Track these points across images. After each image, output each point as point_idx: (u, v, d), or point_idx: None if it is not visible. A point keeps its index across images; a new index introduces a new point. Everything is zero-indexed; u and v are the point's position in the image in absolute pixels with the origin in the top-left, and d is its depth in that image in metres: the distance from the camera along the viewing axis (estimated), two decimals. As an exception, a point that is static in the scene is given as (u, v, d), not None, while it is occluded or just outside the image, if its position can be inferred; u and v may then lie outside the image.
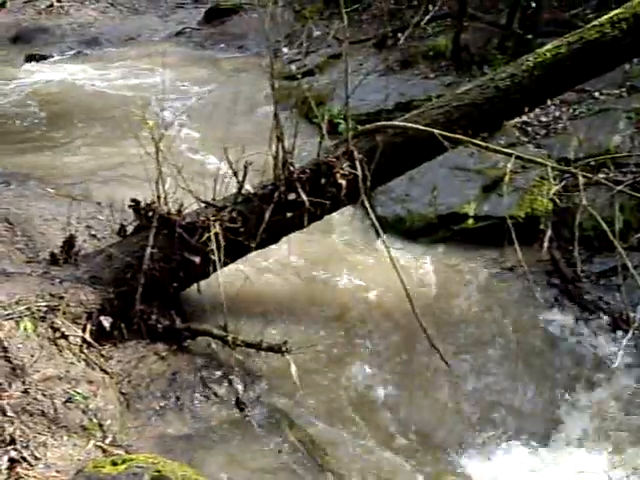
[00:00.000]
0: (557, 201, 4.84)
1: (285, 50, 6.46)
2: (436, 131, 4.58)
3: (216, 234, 4.45)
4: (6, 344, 4.13)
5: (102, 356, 4.48)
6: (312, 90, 6.54)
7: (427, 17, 5.50)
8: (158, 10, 16.62)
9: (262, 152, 4.64)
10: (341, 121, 6.49)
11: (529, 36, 8.45)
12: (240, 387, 4.47)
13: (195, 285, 4.85)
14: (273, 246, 5.05)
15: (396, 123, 4.84)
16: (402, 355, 5.02)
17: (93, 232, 5.59)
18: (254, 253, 4.85)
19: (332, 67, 9.37)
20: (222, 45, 13.44)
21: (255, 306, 5.03)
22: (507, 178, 4.59)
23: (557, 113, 7.25)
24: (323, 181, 4.61)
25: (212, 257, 4.47)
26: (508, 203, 5.78)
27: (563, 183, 4.99)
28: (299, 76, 6.42)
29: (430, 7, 5.47)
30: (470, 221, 6.14)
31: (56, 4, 16.88)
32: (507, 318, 5.31)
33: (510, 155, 4.74)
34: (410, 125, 4.75)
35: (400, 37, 5.45)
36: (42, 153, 8.11)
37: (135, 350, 4.59)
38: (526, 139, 6.92)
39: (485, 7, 10.60)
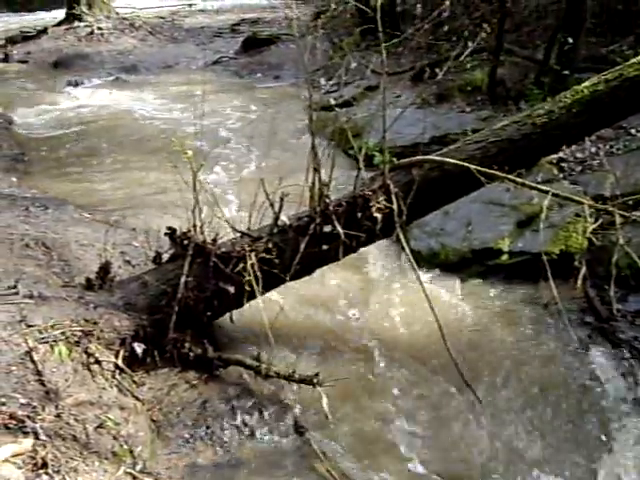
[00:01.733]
0: (594, 239, 4.79)
1: (322, 81, 6.49)
2: (472, 167, 4.57)
3: (251, 264, 4.47)
4: (41, 367, 4.16)
5: (134, 382, 4.50)
6: (348, 122, 6.58)
7: (466, 53, 5.46)
8: (196, 39, 16.84)
9: (298, 184, 4.66)
10: (377, 153, 6.51)
11: (566, 72, 8.44)
12: (271, 417, 4.46)
13: (228, 314, 4.87)
14: (307, 277, 5.04)
15: (433, 157, 4.84)
16: (434, 389, 4.97)
17: (128, 258, 5.64)
18: (288, 284, 4.85)
19: (368, 99, 9.44)
20: (259, 74, 13.58)
21: (288, 337, 5.03)
22: (543, 215, 4.56)
23: (593, 149, 7.23)
24: (359, 214, 4.61)
25: (246, 287, 4.49)
26: (543, 239, 5.75)
27: (600, 222, 4.95)
28: (336, 107, 6.45)
29: (469, 43, 5.43)
30: (504, 257, 6.12)
31: (97, 31, 17.16)
32: (540, 356, 5.25)
33: (546, 192, 4.72)
34: (447, 160, 4.74)
35: (438, 72, 5.42)
36: (79, 178, 8.21)
37: (167, 377, 4.61)
38: (562, 175, 6.91)
39: (522, 42, 10.64)
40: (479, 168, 4.57)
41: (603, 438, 4.65)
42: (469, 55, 9.54)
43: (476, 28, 10.34)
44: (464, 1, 12.35)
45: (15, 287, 4.78)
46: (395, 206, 4.59)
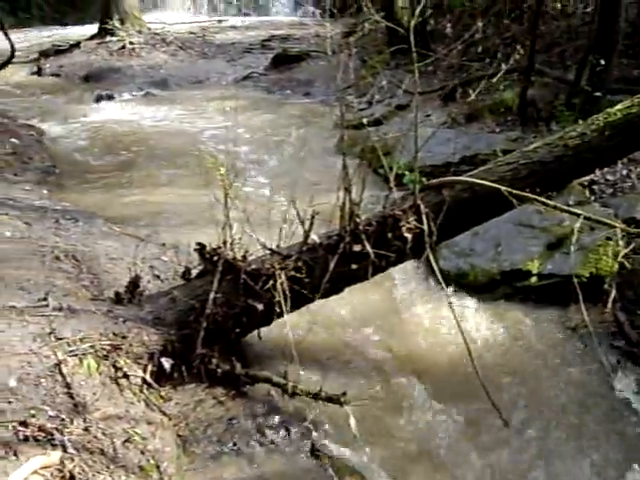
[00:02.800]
0: (625, 263, 4.76)
1: (352, 99, 6.50)
2: (503, 188, 4.56)
3: (281, 283, 4.47)
4: (69, 380, 4.19)
5: (161, 397, 4.52)
6: (379, 140, 6.58)
7: (499, 75, 5.46)
8: (226, 55, 16.91)
9: (329, 202, 4.67)
10: (407, 172, 6.50)
11: (598, 93, 8.40)
12: (298, 435, 4.46)
13: (256, 331, 4.87)
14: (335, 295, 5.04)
15: (464, 179, 4.83)
16: (459, 410, 4.95)
17: (157, 273, 5.68)
18: (317, 302, 4.85)
19: (399, 117, 9.45)
20: (288, 91, 13.61)
21: (315, 355, 5.03)
22: (574, 239, 4.54)
23: (625, 172, 7.19)
24: (389, 234, 4.61)
25: (275, 304, 4.50)
26: (573, 262, 5.71)
27: (632, 246, 4.92)
28: (366, 126, 6.45)
29: (501, 64, 5.43)
30: (533, 279, 6.08)
31: (128, 46, 17.30)
32: (568, 379, 5.22)
33: (578, 215, 4.70)
34: (477, 181, 4.74)
35: (470, 93, 5.43)
36: (109, 191, 8.27)
37: (194, 393, 4.62)
38: (593, 197, 6.88)
39: (553, 62, 10.62)
40: (510, 190, 4.56)
41: (631, 465, 4.60)
42: (498, 74, 9.60)
43: (507, 48, 10.37)
44: (495, 21, 12.35)
45: (45, 299, 4.81)
46: (425, 226, 4.58)
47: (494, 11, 12.67)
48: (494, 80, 5.76)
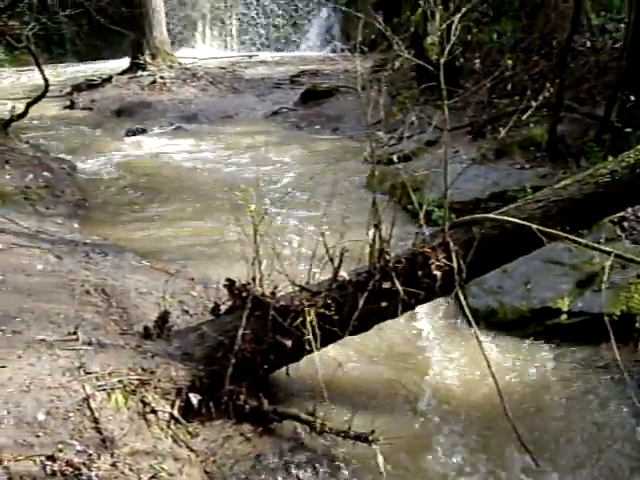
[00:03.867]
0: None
1: (380, 134, 6.54)
2: (534, 226, 4.53)
3: (310, 319, 4.47)
4: (97, 415, 4.19)
5: (189, 433, 4.50)
6: (407, 176, 6.59)
7: (529, 113, 5.45)
8: (256, 90, 17.05)
9: (358, 239, 4.67)
10: (435, 209, 6.50)
11: (628, 129, 8.37)
12: (325, 474, 4.42)
13: (284, 367, 4.86)
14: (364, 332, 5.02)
15: (493, 216, 4.82)
16: (488, 450, 4.89)
17: (186, 308, 5.69)
18: (346, 339, 4.84)
19: (427, 153, 9.45)
20: (317, 126, 13.67)
21: (344, 392, 5.00)
22: (605, 277, 4.51)
23: (656, 208, 7.14)
24: (418, 271, 4.60)
25: (304, 341, 4.49)
26: (603, 300, 5.66)
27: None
28: (396, 162, 6.47)
29: (531, 102, 5.43)
30: (563, 317, 6.03)
31: (159, 81, 17.51)
32: (599, 419, 5.14)
33: (609, 253, 4.66)
34: (507, 219, 4.72)
35: (500, 130, 5.44)
36: (139, 225, 8.33)
37: (221, 429, 4.59)
38: (623, 234, 6.82)
39: (582, 98, 10.59)
40: (540, 227, 4.54)
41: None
42: (526, 110, 9.59)
43: (535, 84, 10.36)
44: (523, 57, 12.36)
45: (75, 333, 4.84)
46: (455, 264, 4.57)
47: (522, 47, 12.69)
48: (524, 117, 5.74)
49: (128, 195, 9.67)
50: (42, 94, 12.01)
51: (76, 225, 8.21)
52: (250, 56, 22.10)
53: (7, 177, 9.11)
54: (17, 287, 5.69)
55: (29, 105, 11.82)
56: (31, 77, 18.26)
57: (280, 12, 24.64)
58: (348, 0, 23.39)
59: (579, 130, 9.37)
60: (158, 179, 10.34)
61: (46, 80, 11.80)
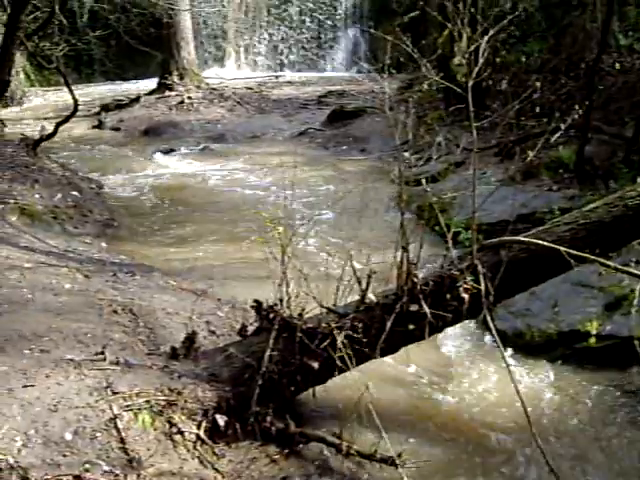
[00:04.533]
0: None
1: (407, 155, 6.55)
2: (562, 249, 4.50)
3: (337, 341, 4.46)
4: (124, 435, 4.21)
5: (215, 454, 4.49)
6: (435, 197, 6.57)
7: (557, 135, 5.43)
8: (283, 110, 17.13)
9: (386, 261, 4.66)
10: (462, 230, 6.48)
11: (656, 150, 8.33)
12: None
13: (311, 389, 4.85)
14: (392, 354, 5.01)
15: (522, 239, 4.79)
16: (516, 474, 4.85)
17: (212, 328, 5.70)
18: (373, 360, 4.82)
19: (454, 174, 9.44)
20: (344, 147, 13.69)
21: (370, 414, 4.97)
22: (636, 300, 4.46)
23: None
24: (446, 294, 4.58)
25: (331, 363, 4.48)
26: (633, 323, 5.60)
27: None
28: (423, 183, 6.46)
29: (558, 122, 5.41)
30: (592, 340, 5.96)
31: (187, 101, 17.64)
32: (628, 444, 5.08)
33: (638, 277, 4.62)
34: (536, 241, 4.69)
35: (527, 150, 5.42)
36: (166, 244, 8.38)
37: (247, 451, 4.58)
38: (652, 256, 6.75)
39: (610, 119, 10.53)
40: (569, 250, 4.50)
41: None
42: (556, 132, 9.55)
43: (563, 105, 10.33)
44: (551, 78, 12.32)
45: (102, 353, 4.87)
46: (483, 287, 4.54)
47: (550, 67, 12.66)
48: (552, 140, 5.71)
49: (155, 215, 9.73)
50: (71, 114, 12.12)
51: (104, 244, 8.27)
52: (277, 76, 22.24)
53: (36, 196, 9.19)
54: (46, 306, 5.74)
55: (58, 125, 11.93)
56: (60, 97, 18.49)
57: (307, 33, 24.79)
58: (375, 21, 23.52)
59: (607, 151, 9.31)
60: (185, 199, 10.40)
61: (75, 100, 11.92)
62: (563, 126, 5.15)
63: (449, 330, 5.76)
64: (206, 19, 24.72)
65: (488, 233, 5.53)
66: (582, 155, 9.04)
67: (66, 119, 12.16)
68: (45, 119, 15.39)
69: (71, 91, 12.04)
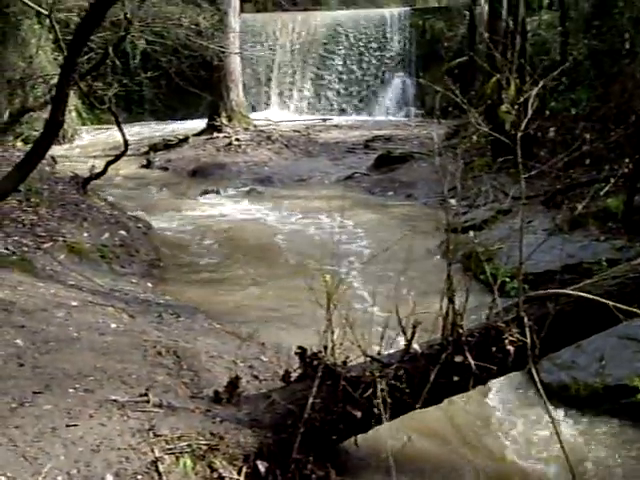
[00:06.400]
0: None
1: (453, 202, 6.56)
2: (610, 303, 4.45)
3: (380, 391, 4.43)
4: (165, 479, 4.20)
5: (255, 500, 4.48)
6: (479, 245, 6.55)
7: (606, 189, 5.40)
8: (330, 154, 17.22)
9: (431, 311, 4.64)
10: (507, 279, 6.43)
11: None
12: None
13: (353, 437, 4.82)
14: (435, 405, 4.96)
15: (569, 292, 4.74)
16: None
17: (255, 373, 5.69)
18: (416, 411, 4.78)
19: (501, 222, 9.38)
20: (390, 192, 13.71)
21: (411, 465, 4.93)
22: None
23: None
24: (491, 346, 4.54)
25: (374, 412, 4.45)
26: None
27: None
28: (468, 230, 6.46)
29: (608, 173, 5.39)
30: (640, 395, 5.87)
31: (234, 143, 17.83)
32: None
33: (688, 333, 4.55)
34: (583, 295, 4.63)
35: (575, 201, 5.40)
36: (212, 286, 8.42)
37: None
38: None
39: (659, 169, 10.43)
40: (617, 305, 4.44)
41: None
42: (603, 181, 9.48)
43: (611, 153, 10.26)
44: (599, 126, 12.27)
45: (146, 395, 4.88)
46: (528, 340, 4.49)
47: (598, 116, 12.61)
48: (602, 193, 5.68)
49: (201, 256, 9.80)
50: (121, 154, 12.31)
51: (150, 284, 8.34)
52: (324, 120, 22.40)
53: (85, 235, 9.32)
54: (91, 345, 5.78)
55: (108, 164, 12.13)
56: (110, 135, 18.82)
57: (355, 77, 25.01)
58: (422, 66, 23.69)
59: (657, 202, 9.21)
60: (231, 241, 10.46)
61: (126, 141, 12.11)
62: (613, 180, 5.10)
63: (494, 380, 5.72)
64: (255, 62, 25.08)
65: (534, 283, 5.49)
66: (631, 205, 8.93)
67: (116, 158, 12.35)
68: (95, 157, 15.67)
69: (122, 131, 12.24)
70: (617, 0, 13.46)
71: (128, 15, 12.68)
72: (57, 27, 10.63)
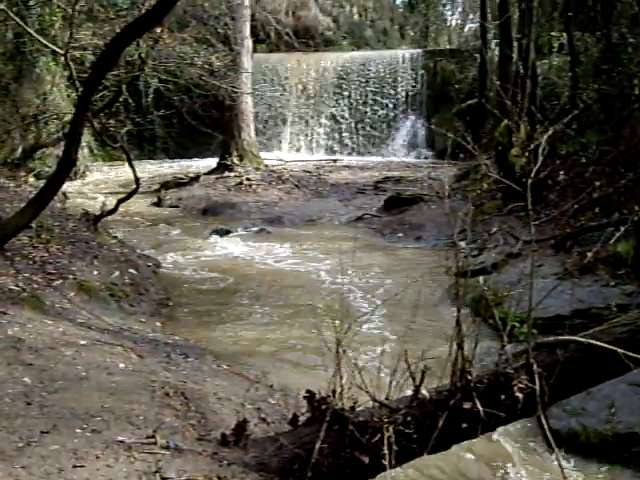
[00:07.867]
0: None
1: (462, 245, 6.57)
2: (620, 351, 4.43)
3: (388, 437, 4.41)
4: (171, 522, 4.19)
5: None
6: (488, 289, 6.54)
7: (617, 236, 5.41)
8: (340, 195, 17.28)
9: (440, 357, 4.63)
10: (517, 324, 6.41)
11: None
12: None
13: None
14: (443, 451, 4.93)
15: (579, 339, 4.72)
16: None
17: (263, 415, 5.67)
18: (423, 457, 4.75)
19: (510, 266, 9.36)
20: (400, 234, 13.72)
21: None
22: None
23: None
24: (500, 393, 4.52)
25: (381, 458, 4.42)
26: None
27: None
28: (477, 274, 6.46)
29: (618, 218, 5.39)
30: (651, 444, 5.81)
31: (245, 182, 17.93)
32: None
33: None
34: (593, 342, 4.61)
35: (584, 247, 5.40)
36: (220, 327, 8.41)
37: None
38: None
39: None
40: (628, 353, 4.43)
41: None
42: (613, 226, 9.47)
43: (621, 197, 10.27)
44: (609, 170, 12.29)
45: (153, 437, 4.87)
46: (537, 387, 4.47)
47: (608, 159, 12.63)
48: (612, 241, 5.68)
49: (210, 295, 9.80)
50: (133, 192, 12.35)
51: (158, 324, 8.34)
52: (335, 160, 22.51)
53: (95, 273, 9.34)
54: (99, 385, 5.78)
55: (120, 202, 12.17)
56: (120, 172, 18.91)
57: (365, 118, 25.17)
58: (433, 107, 23.84)
59: (667, 246, 9.19)
60: (240, 281, 10.47)
61: (137, 179, 12.16)
62: (623, 228, 5.11)
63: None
64: (267, 102, 25.28)
65: (544, 328, 5.47)
66: (640, 250, 8.93)
67: (127, 196, 12.39)
68: (105, 194, 15.76)
69: (133, 170, 12.29)
70: (626, 45, 13.57)
71: (142, 55, 12.83)
72: (72, 65, 10.75)
